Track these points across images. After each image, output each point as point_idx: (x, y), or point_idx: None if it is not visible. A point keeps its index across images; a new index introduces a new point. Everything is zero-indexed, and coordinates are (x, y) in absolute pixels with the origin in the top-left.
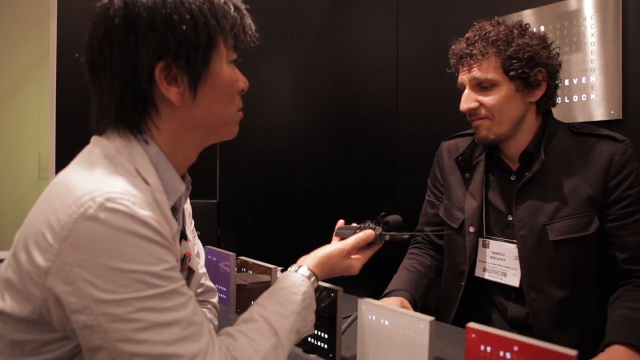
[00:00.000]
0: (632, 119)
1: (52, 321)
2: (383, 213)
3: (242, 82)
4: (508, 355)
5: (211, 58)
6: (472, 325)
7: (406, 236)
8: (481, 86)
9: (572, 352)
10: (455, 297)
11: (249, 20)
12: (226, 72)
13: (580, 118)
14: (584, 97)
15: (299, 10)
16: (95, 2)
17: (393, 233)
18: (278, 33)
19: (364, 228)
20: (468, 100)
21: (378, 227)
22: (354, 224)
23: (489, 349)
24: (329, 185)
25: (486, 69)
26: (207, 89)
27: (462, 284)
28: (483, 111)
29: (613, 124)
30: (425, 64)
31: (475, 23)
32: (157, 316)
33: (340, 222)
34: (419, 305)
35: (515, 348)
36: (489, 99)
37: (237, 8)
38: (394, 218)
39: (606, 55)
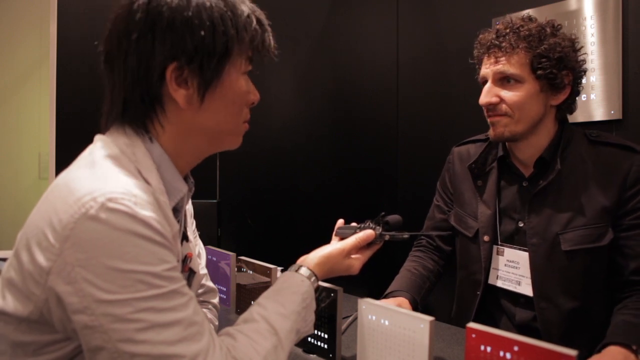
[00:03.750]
0: (632, 119)
1: (53, 321)
2: (383, 213)
3: (253, 95)
4: (508, 355)
5: (224, 67)
6: (472, 325)
7: (406, 236)
8: (504, 81)
9: (572, 352)
10: (471, 306)
11: (269, 37)
12: (238, 83)
13: (581, 118)
14: (584, 97)
15: (299, 10)
16: (95, 2)
17: (393, 233)
18: (278, 33)
19: (364, 228)
20: (489, 95)
21: (378, 227)
22: (354, 224)
23: (489, 349)
24: (329, 185)
25: (514, 64)
26: (216, 97)
27: (478, 293)
28: (503, 107)
29: (613, 124)
30: (425, 64)
31: (508, 15)
32: (158, 316)
33: (340, 222)
34: (419, 308)
35: (515, 348)
36: (511, 95)
37: (260, 22)
38: (394, 218)
39: (606, 55)
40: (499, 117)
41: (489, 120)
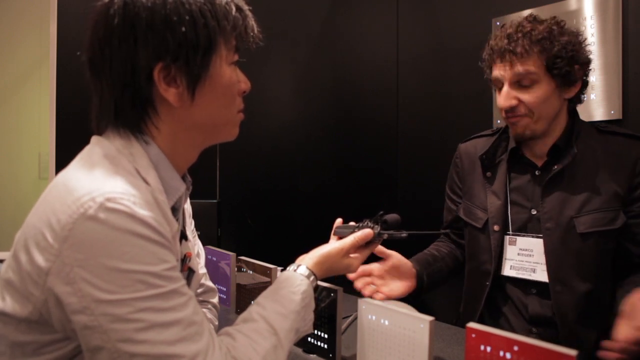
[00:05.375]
0: (632, 119)
1: (53, 322)
2: (381, 212)
3: (244, 84)
4: (508, 355)
5: (210, 60)
6: (472, 325)
7: (404, 235)
8: (521, 83)
9: (572, 352)
10: (479, 298)
11: (251, 21)
12: (226, 73)
13: (581, 117)
14: (584, 97)
15: (299, 10)
16: (95, 2)
17: (391, 232)
18: (278, 33)
19: (363, 227)
20: (508, 98)
21: (376, 226)
22: (352, 223)
23: (489, 349)
24: (328, 185)
25: (529, 67)
26: (206, 91)
27: (487, 283)
28: (522, 108)
29: (613, 124)
30: (425, 63)
31: (509, 17)
32: (158, 316)
33: (339, 221)
34: (425, 280)
35: (515, 348)
36: (529, 96)
37: (239, 8)
38: (392, 217)
39: (606, 55)
40: (518, 118)
41: (508, 121)
